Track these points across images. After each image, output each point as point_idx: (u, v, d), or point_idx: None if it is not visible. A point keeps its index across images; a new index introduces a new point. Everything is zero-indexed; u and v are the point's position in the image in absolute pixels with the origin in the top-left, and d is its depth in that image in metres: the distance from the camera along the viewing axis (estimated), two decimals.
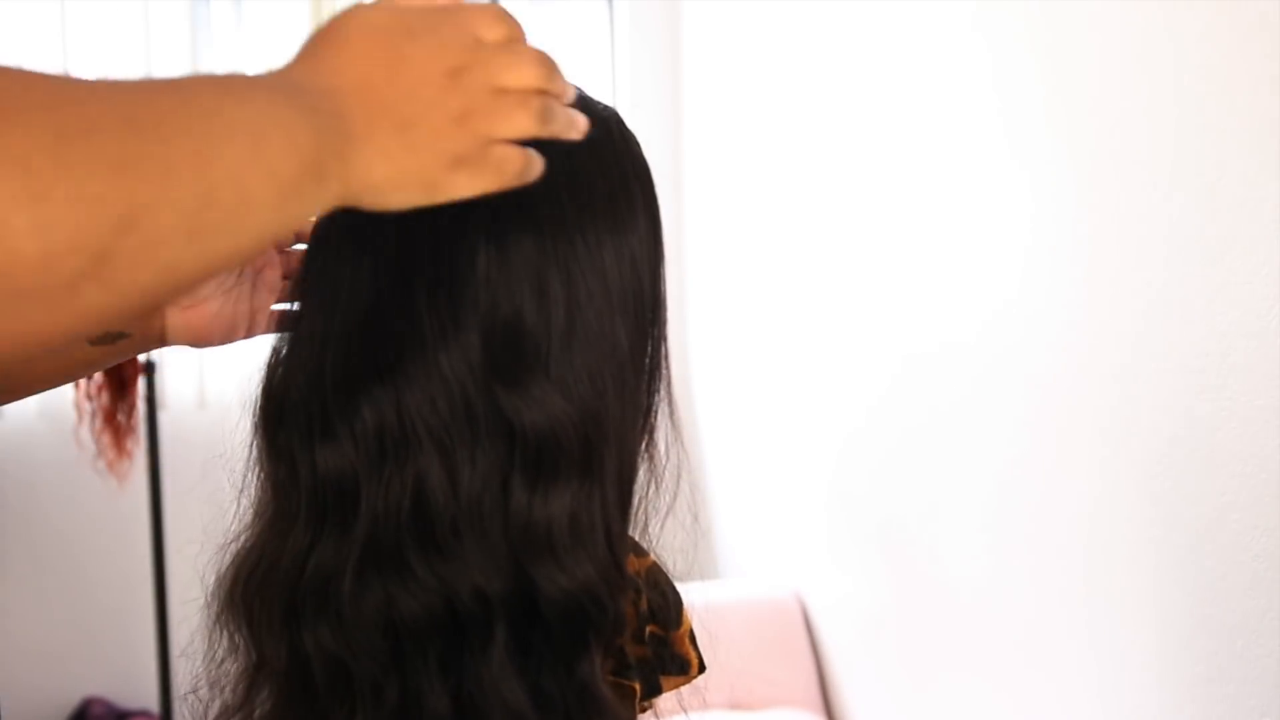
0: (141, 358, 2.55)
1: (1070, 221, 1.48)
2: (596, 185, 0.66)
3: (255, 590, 0.65)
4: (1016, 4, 1.60)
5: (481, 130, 0.55)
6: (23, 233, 0.40)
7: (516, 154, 0.57)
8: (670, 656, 0.72)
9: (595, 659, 0.64)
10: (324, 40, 0.54)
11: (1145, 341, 1.34)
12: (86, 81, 0.45)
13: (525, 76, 0.56)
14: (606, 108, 0.71)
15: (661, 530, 0.73)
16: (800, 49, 2.31)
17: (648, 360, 0.70)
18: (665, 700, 0.72)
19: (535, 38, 0.60)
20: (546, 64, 0.57)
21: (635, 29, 2.97)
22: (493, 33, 0.57)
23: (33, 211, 0.40)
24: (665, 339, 0.72)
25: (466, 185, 0.55)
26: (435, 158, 0.54)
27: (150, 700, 2.68)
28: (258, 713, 0.66)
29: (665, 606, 0.72)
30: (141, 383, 2.48)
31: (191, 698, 0.70)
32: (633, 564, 0.72)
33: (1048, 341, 1.54)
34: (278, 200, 0.49)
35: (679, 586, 0.75)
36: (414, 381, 0.62)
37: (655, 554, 0.74)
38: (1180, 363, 1.28)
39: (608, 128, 0.69)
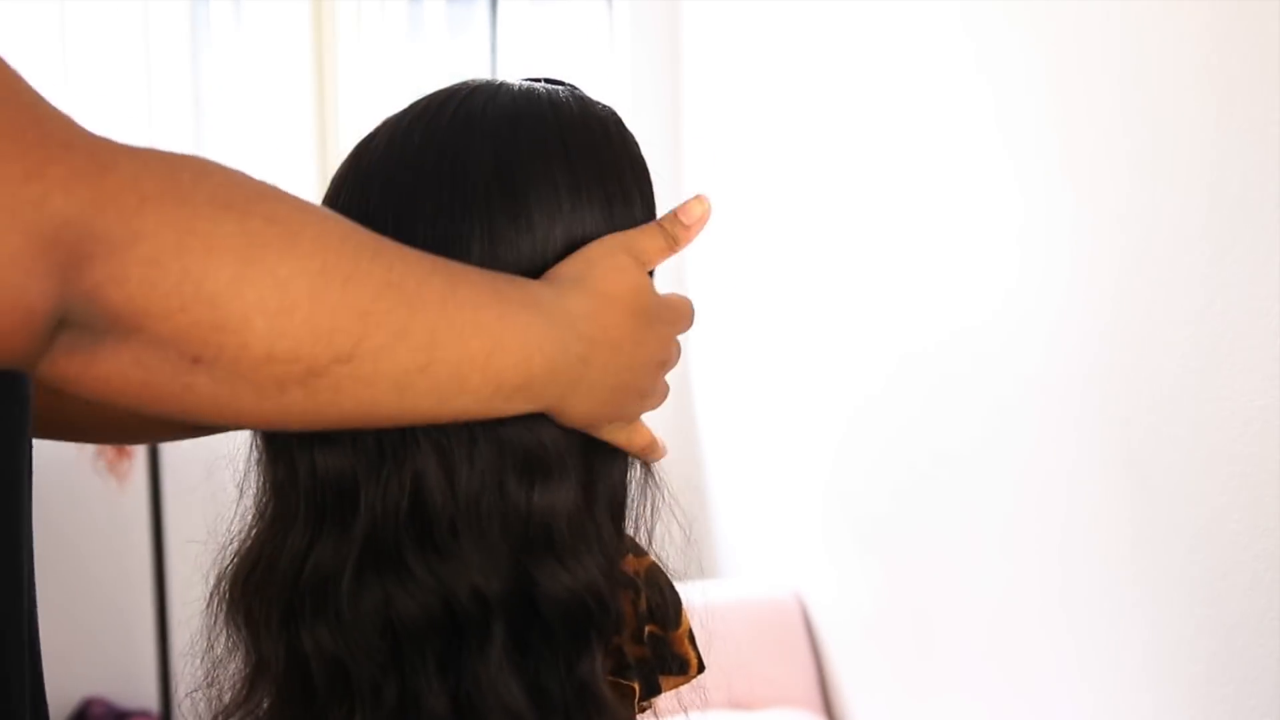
0: None
1: (1069, 221, 1.48)
2: (595, 189, 0.66)
3: (254, 590, 0.65)
4: (1015, 4, 1.60)
5: (645, 407, 0.66)
6: (257, 334, 0.49)
7: (647, 434, 0.67)
8: (669, 656, 0.72)
9: (596, 657, 0.64)
10: (606, 285, 0.62)
11: (1145, 341, 1.34)
12: (374, 237, 0.54)
13: (674, 365, 0.67)
14: (605, 108, 0.71)
15: (661, 530, 0.73)
16: (799, 49, 2.32)
17: None
18: (665, 700, 0.72)
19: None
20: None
21: (635, 29, 2.98)
22: (682, 330, 0.67)
23: (272, 321, 0.49)
24: None
25: (609, 434, 0.65)
26: (614, 413, 0.64)
27: (150, 700, 2.68)
28: (256, 714, 0.66)
29: (664, 606, 0.72)
30: None
31: (191, 698, 0.70)
32: (632, 564, 0.72)
33: (1045, 341, 1.54)
34: (487, 397, 0.57)
35: (678, 586, 0.75)
36: None
37: (654, 554, 0.73)
38: (1180, 363, 1.28)
39: (606, 129, 0.69)
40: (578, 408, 0.61)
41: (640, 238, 0.64)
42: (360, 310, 0.51)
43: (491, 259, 0.63)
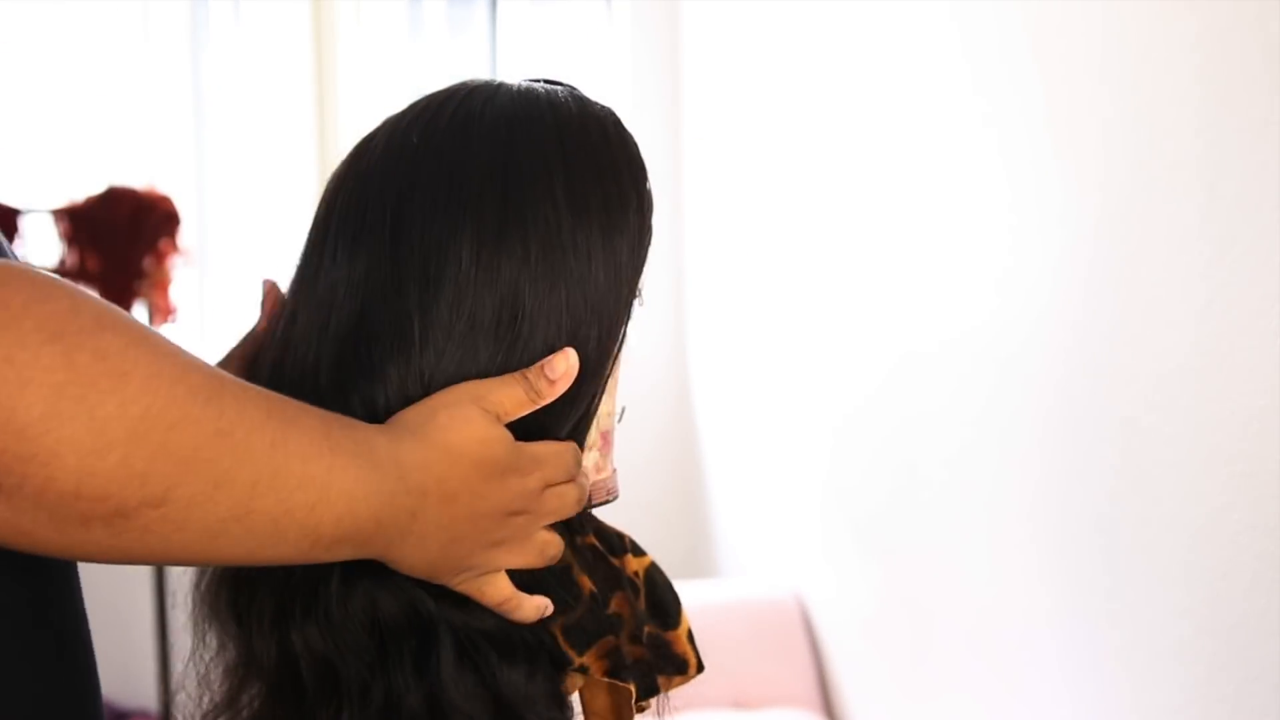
0: None
1: (1069, 222, 1.48)
2: (593, 190, 0.66)
3: (246, 590, 0.65)
4: (1014, 5, 1.60)
5: (500, 561, 0.63)
6: (67, 469, 0.47)
7: (504, 589, 0.63)
8: (668, 656, 0.72)
9: (503, 670, 0.65)
10: (445, 436, 0.60)
11: (1145, 341, 1.34)
12: (214, 377, 0.52)
13: (561, 514, 0.64)
14: (604, 109, 0.71)
15: (661, 530, 0.74)
16: (799, 50, 2.32)
17: (607, 365, 0.70)
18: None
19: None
20: (580, 500, 0.65)
21: (635, 29, 2.98)
22: (558, 477, 0.64)
23: (83, 460, 0.47)
24: (625, 337, 0.72)
25: (460, 585, 0.62)
26: (456, 564, 0.61)
27: (150, 700, 2.68)
28: (245, 712, 0.67)
29: (663, 606, 0.73)
30: None
31: (181, 695, 0.70)
32: (631, 564, 0.72)
33: (1043, 340, 1.54)
34: (306, 549, 0.55)
35: (678, 585, 0.75)
36: (397, 384, 0.63)
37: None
38: (1181, 363, 1.28)
39: (604, 130, 0.69)
40: (409, 558, 0.60)
41: (496, 389, 0.62)
42: (181, 457, 0.49)
43: (478, 260, 0.63)
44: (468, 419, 0.61)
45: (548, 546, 0.65)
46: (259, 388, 0.55)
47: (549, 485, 0.63)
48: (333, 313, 0.64)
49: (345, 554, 0.57)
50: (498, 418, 0.62)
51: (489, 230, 0.63)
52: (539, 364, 0.64)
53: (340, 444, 0.56)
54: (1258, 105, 1.16)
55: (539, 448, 0.63)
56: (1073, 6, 1.46)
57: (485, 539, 0.61)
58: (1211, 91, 1.23)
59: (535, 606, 0.65)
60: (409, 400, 0.62)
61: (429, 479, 0.58)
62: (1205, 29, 1.23)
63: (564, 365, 0.64)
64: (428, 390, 0.62)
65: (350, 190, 0.67)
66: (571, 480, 0.65)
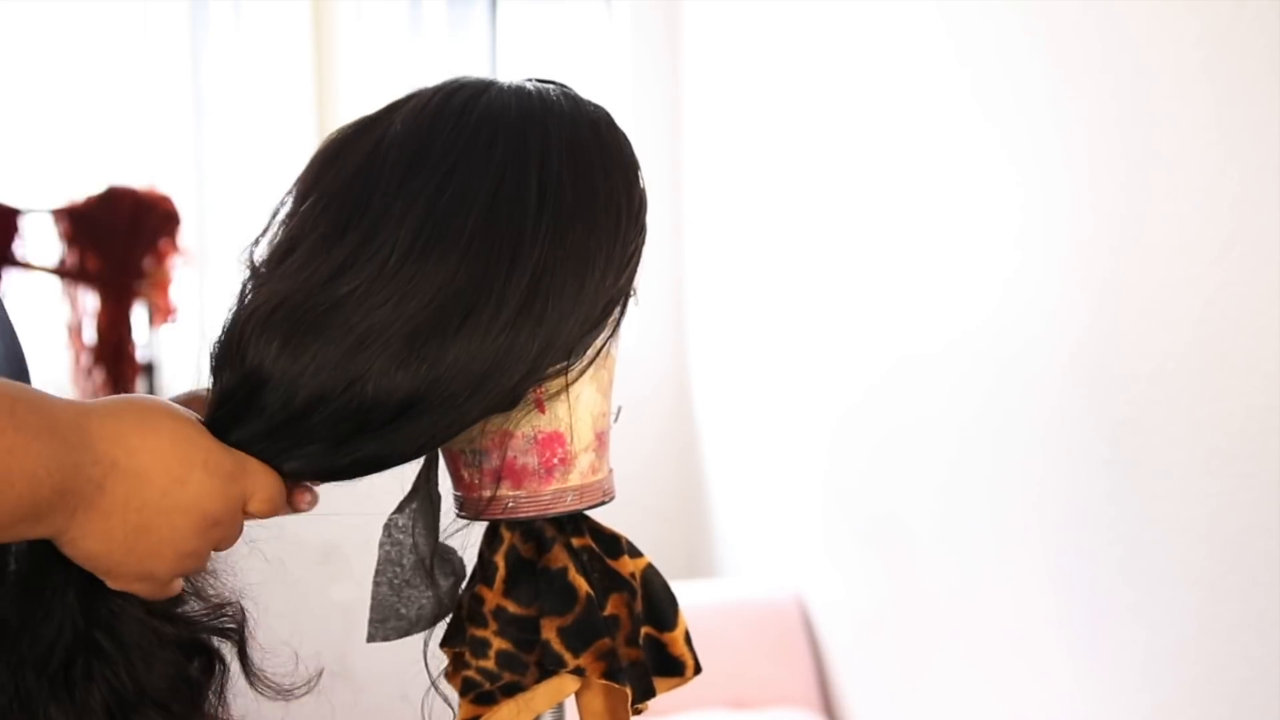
0: (141, 358, 2.55)
1: (1069, 222, 1.48)
2: (579, 186, 0.66)
3: None
4: (1017, 4, 1.60)
5: (182, 569, 0.60)
6: None
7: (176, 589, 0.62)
8: (665, 658, 0.72)
9: None
10: (141, 413, 0.58)
11: (1145, 341, 1.34)
12: None
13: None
14: (596, 107, 0.71)
15: (660, 530, 0.73)
16: (799, 51, 2.31)
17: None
18: (662, 700, 0.72)
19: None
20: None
21: (635, 29, 2.97)
22: (259, 506, 0.63)
23: None
24: (617, 334, 0.71)
25: (136, 590, 0.60)
26: (135, 562, 0.58)
27: None
28: None
29: (660, 608, 0.72)
30: (141, 383, 2.48)
31: None
32: (628, 565, 0.72)
33: (1045, 340, 1.53)
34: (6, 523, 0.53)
35: (678, 586, 0.75)
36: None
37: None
38: (1180, 363, 1.28)
39: (595, 129, 0.69)
40: (89, 539, 0.57)
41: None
42: None
43: (407, 241, 0.63)
44: (167, 413, 0.60)
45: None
46: None
47: (254, 502, 0.62)
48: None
49: (26, 532, 0.55)
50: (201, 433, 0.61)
51: (432, 212, 0.63)
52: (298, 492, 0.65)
53: (24, 420, 0.54)
54: (1259, 105, 1.16)
55: (254, 463, 0.62)
56: (1076, 5, 1.46)
57: (176, 539, 0.59)
58: (1213, 92, 1.23)
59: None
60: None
61: (119, 451, 0.57)
62: (1208, 28, 1.23)
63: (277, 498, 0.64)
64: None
65: (331, 167, 0.67)
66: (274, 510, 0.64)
